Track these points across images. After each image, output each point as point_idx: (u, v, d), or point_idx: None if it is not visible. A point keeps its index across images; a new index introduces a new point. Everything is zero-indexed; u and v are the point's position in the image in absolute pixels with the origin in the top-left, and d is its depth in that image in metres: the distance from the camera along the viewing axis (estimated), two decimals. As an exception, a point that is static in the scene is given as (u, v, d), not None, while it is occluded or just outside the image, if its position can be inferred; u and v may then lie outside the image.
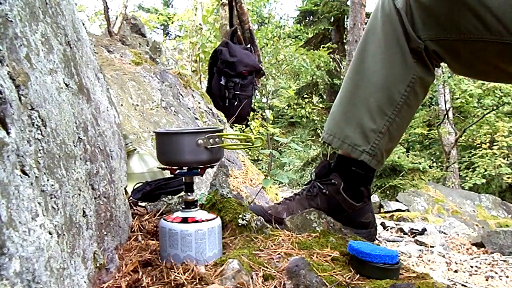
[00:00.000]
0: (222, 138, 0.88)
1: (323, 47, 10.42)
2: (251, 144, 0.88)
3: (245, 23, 3.94)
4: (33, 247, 0.50)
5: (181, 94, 2.72)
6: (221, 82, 3.41)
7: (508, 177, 9.30)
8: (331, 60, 10.01)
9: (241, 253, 0.83)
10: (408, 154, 10.51)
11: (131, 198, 1.27)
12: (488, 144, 9.65)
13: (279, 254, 0.87)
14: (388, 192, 8.10)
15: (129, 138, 1.62)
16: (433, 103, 11.97)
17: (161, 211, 1.14)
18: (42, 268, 0.51)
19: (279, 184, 3.76)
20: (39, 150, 0.57)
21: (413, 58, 1.08)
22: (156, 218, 1.10)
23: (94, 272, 0.71)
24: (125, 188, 1.05)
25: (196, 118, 2.63)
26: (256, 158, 9.42)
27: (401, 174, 8.18)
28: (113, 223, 0.85)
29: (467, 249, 1.99)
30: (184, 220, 0.84)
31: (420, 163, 8.98)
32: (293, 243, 0.93)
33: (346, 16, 11.23)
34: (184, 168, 0.88)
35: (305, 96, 11.71)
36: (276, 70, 9.79)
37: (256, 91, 4.56)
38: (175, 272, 0.76)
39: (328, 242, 0.95)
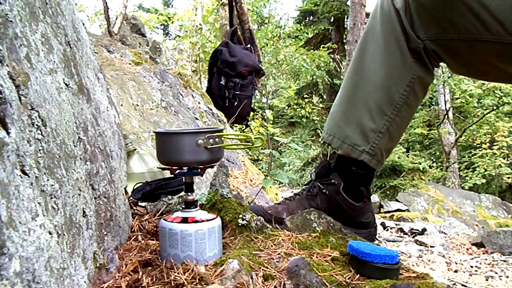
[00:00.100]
0: (222, 138, 0.88)
1: (323, 47, 10.42)
2: (251, 144, 0.88)
3: (245, 23, 3.94)
4: (33, 247, 0.50)
5: (181, 94, 2.72)
6: (221, 82, 3.41)
7: (508, 177, 9.30)
8: (331, 60, 10.01)
9: (241, 253, 0.83)
10: (408, 154, 10.51)
11: (131, 198, 1.27)
12: (488, 144, 9.65)
13: (279, 254, 0.87)
14: (388, 192, 8.10)
15: (129, 138, 1.62)
16: (433, 103, 11.97)
17: (161, 211, 1.14)
18: (42, 268, 0.51)
19: (279, 184, 3.76)
20: (39, 150, 0.57)
21: (413, 58, 1.08)
22: (156, 218, 1.10)
23: (94, 272, 0.71)
24: (125, 188, 1.05)
25: (196, 118, 2.63)
26: (256, 158, 9.42)
27: (402, 175, 8.18)
28: (113, 223, 0.85)
29: (467, 249, 1.99)
30: (184, 220, 0.84)
31: (420, 163, 8.98)
32: (293, 243, 0.93)
33: (346, 16, 11.23)
34: (184, 168, 0.88)
35: (305, 96, 11.71)
36: (276, 70, 9.79)
37: (256, 91, 4.56)
38: (175, 272, 0.76)
39: (328, 242, 0.95)
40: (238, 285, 0.73)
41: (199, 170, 0.88)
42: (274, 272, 0.78)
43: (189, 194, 0.89)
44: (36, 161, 0.55)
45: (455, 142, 9.98)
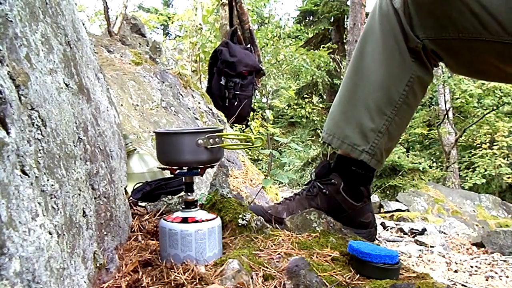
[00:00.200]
0: (222, 138, 0.88)
1: (323, 47, 10.42)
2: (251, 144, 0.88)
3: (245, 23, 3.94)
4: (33, 247, 0.50)
5: (181, 94, 2.72)
6: (221, 82, 3.41)
7: (508, 177, 9.30)
8: (331, 60, 10.01)
9: (241, 253, 0.83)
10: (408, 154, 10.51)
11: (131, 198, 1.27)
12: (488, 144, 9.65)
13: (279, 254, 0.87)
14: (388, 192, 8.10)
15: (129, 138, 1.62)
16: (433, 103, 11.96)
17: (161, 211, 1.14)
18: (42, 268, 0.51)
19: (279, 184, 3.76)
20: (39, 150, 0.57)
21: (412, 58, 1.09)
22: (156, 218, 1.10)
23: (94, 272, 0.71)
24: (125, 188, 1.05)
25: (196, 118, 2.63)
26: (256, 158, 9.41)
27: (400, 174, 8.17)
28: (113, 223, 0.85)
29: (467, 249, 1.99)
30: (184, 220, 0.84)
31: (420, 163, 8.98)
32: (293, 243, 0.93)
33: (346, 16, 11.23)
34: (184, 168, 0.88)
35: (305, 96, 11.70)
36: (276, 70, 9.79)
37: (256, 91, 4.55)
38: (175, 272, 0.76)
39: (328, 242, 0.95)
40: (238, 285, 0.73)
41: (199, 170, 0.89)
42: (274, 272, 0.78)
43: (189, 194, 0.89)
44: (36, 161, 0.55)
45: (455, 142, 9.97)
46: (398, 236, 2.21)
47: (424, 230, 2.25)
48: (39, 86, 0.60)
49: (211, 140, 0.85)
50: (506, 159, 9.34)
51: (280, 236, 0.96)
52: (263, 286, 0.74)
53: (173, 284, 0.73)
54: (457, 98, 9.62)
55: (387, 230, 2.42)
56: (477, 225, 3.34)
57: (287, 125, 12.31)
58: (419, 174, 8.61)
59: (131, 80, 2.44)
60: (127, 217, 0.99)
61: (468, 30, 0.97)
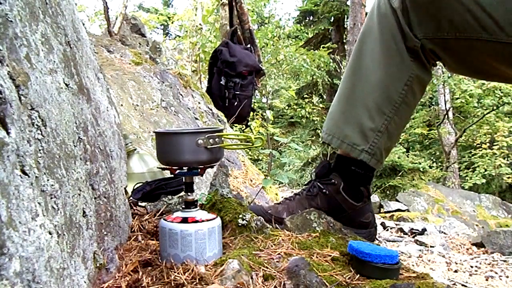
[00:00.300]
0: (222, 138, 0.88)
1: (323, 47, 10.42)
2: (251, 144, 0.88)
3: (245, 23, 3.94)
4: (33, 247, 0.50)
5: (181, 94, 2.72)
6: (221, 82, 3.41)
7: (508, 177, 9.30)
8: (331, 60, 10.01)
9: (241, 253, 0.83)
10: (408, 154, 10.51)
11: (131, 198, 1.27)
12: (488, 144, 9.65)
13: (279, 254, 0.87)
14: (388, 192, 8.10)
15: (129, 138, 1.62)
16: (433, 103, 11.97)
17: (161, 211, 1.14)
18: (42, 268, 0.51)
19: (279, 184, 3.76)
20: (39, 150, 0.57)
21: (410, 57, 1.09)
22: (156, 218, 1.10)
23: (94, 272, 0.72)
24: (125, 188, 1.05)
25: (196, 118, 2.63)
26: (256, 158, 9.41)
27: (400, 174, 8.17)
28: (113, 223, 0.85)
29: (467, 249, 1.99)
30: (184, 220, 0.84)
31: (420, 163, 8.98)
32: (293, 243, 0.93)
33: (346, 16, 11.23)
34: (184, 168, 0.88)
35: (305, 96, 11.70)
36: (276, 70, 9.79)
37: (256, 91, 4.56)
38: (175, 272, 0.76)
39: (328, 242, 0.95)
40: (238, 285, 0.73)
41: (199, 170, 0.89)
42: (274, 272, 0.78)
43: (189, 194, 0.89)
44: (36, 161, 0.55)
45: (455, 142, 9.98)
46: (398, 236, 2.21)
47: (424, 230, 2.25)
48: (39, 86, 0.60)
49: (211, 140, 0.85)
50: (506, 159, 9.34)
51: (280, 236, 0.96)
52: (263, 286, 0.74)
53: (173, 284, 0.73)
54: (457, 98, 9.62)
55: (387, 230, 2.42)
56: (477, 225, 3.34)
57: (287, 125, 12.31)
58: (419, 174, 8.61)
59: (131, 80, 2.44)
60: (127, 217, 0.99)
61: (465, 29, 0.98)
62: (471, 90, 8.97)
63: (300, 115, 11.47)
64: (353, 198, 1.18)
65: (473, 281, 1.31)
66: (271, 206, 1.21)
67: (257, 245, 0.91)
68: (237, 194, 1.30)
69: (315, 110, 11.45)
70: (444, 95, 10.17)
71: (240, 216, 0.98)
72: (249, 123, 3.89)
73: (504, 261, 1.61)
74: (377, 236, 1.49)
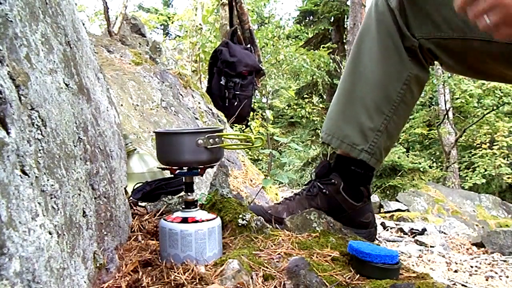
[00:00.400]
0: (222, 138, 0.88)
1: (323, 47, 10.42)
2: (251, 144, 0.88)
3: (245, 23, 3.94)
4: (33, 247, 0.50)
5: (181, 94, 2.72)
6: (221, 82, 3.41)
7: (508, 177, 9.30)
8: (331, 60, 10.02)
9: (241, 253, 0.83)
10: (408, 154, 10.51)
11: (131, 198, 1.27)
12: (488, 144, 9.65)
13: (279, 254, 0.87)
14: (388, 192, 8.10)
15: (129, 138, 1.62)
16: (433, 103, 11.97)
17: (161, 211, 1.14)
18: (42, 268, 0.51)
19: (279, 184, 3.76)
20: (39, 150, 0.57)
21: (408, 56, 1.09)
22: (156, 218, 1.10)
23: (94, 272, 0.72)
24: (125, 188, 1.05)
25: (196, 118, 2.63)
26: (256, 158, 9.42)
27: (400, 174, 8.17)
28: (113, 223, 0.85)
29: (467, 249, 1.99)
30: (184, 220, 0.84)
31: (420, 163, 8.98)
32: (293, 243, 0.93)
33: (346, 16, 11.23)
34: (184, 168, 0.88)
35: (305, 96, 11.70)
36: (276, 70, 9.79)
37: (256, 91, 4.56)
38: (175, 272, 0.76)
39: (328, 242, 0.95)
40: (238, 285, 0.73)
41: (199, 170, 0.89)
42: (274, 272, 0.78)
43: (189, 194, 0.89)
44: (36, 161, 0.55)
45: (455, 142, 9.97)
46: (398, 236, 2.21)
47: (424, 230, 2.25)
48: (39, 86, 0.60)
49: (211, 140, 0.85)
50: (506, 159, 9.34)
51: (280, 236, 0.96)
52: (263, 286, 0.74)
53: (173, 284, 0.73)
54: (457, 98, 9.62)
55: (387, 230, 2.42)
56: (477, 225, 3.34)
57: (287, 125, 12.31)
58: (419, 174, 8.61)
59: (131, 80, 2.44)
60: (127, 217, 0.99)
61: (462, 29, 0.98)
62: (471, 90, 8.98)
63: (300, 115, 11.47)
64: (353, 198, 1.18)
65: (473, 281, 1.31)
66: (271, 206, 1.21)
67: (257, 245, 0.91)
68: (237, 194, 1.30)
69: (315, 110, 11.45)
70: (444, 95, 10.17)
71: (240, 216, 0.98)
72: (249, 123, 3.89)
73: (504, 261, 1.61)
74: (377, 236, 1.49)
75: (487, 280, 1.33)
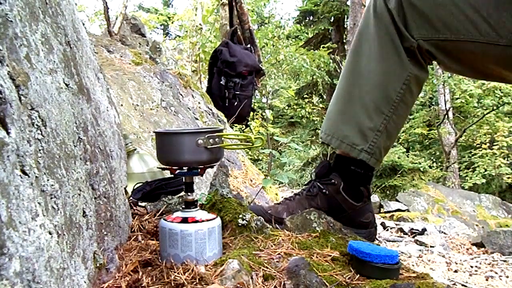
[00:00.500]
0: (222, 138, 0.88)
1: (323, 47, 10.42)
2: (251, 144, 0.88)
3: (245, 23, 3.94)
4: (33, 247, 0.50)
5: (181, 94, 2.72)
6: (221, 82, 3.41)
7: (508, 177, 9.30)
8: (331, 60, 10.02)
9: (241, 253, 0.83)
10: (408, 154, 10.50)
11: (131, 198, 1.27)
12: (488, 144, 9.65)
13: (279, 254, 0.87)
14: (388, 192, 8.11)
15: (129, 138, 1.62)
16: (433, 103, 11.96)
17: (161, 211, 1.14)
18: (42, 268, 0.51)
19: (279, 184, 3.76)
20: (39, 150, 0.57)
21: (407, 56, 1.09)
22: (156, 218, 1.10)
23: (94, 272, 0.72)
24: (125, 188, 1.05)
25: (196, 118, 2.63)
26: (256, 158, 9.42)
27: (400, 173, 8.17)
28: (113, 223, 0.85)
29: (467, 249, 1.99)
30: (184, 220, 0.84)
31: (420, 163, 8.98)
32: (293, 243, 0.93)
33: (346, 16, 11.23)
34: (184, 168, 0.88)
35: (305, 96, 11.70)
36: (276, 70, 9.79)
37: (256, 91, 4.56)
38: (175, 272, 0.76)
39: (328, 242, 0.95)
40: (238, 285, 0.73)
41: (199, 170, 0.89)
42: (274, 272, 0.78)
43: (189, 194, 0.89)
44: (36, 161, 0.55)
45: (455, 142, 9.97)
46: (398, 236, 2.21)
47: (424, 230, 2.25)
48: (39, 86, 0.60)
49: (211, 140, 0.85)
50: (506, 159, 9.34)
51: (280, 236, 0.96)
52: (263, 286, 0.74)
53: (173, 284, 0.73)
54: (457, 98, 9.62)
55: (387, 230, 2.42)
56: (477, 225, 3.34)
57: (287, 125, 12.31)
58: (419, 174, 8.61)
59: (131, 80, 2.44)
60: (127, 217, 0.99)
61: (459, 31, 0.98)
62: (471, 90, 8.98)
63: (300, 115, 11.47)
64: (353, 198, 1.18)
65: (473, 281, 1.31)
66: (271, 206, 1.21)
67: (257, 245, 0.91)
68: (237, 194, 1.30)
69: (315, 110, 11.45)
70: (444, 95, 10.16)
71: (240, 216, 0.98)
72: (249, 123, 3.89)
73: (504, 261, 1.61)
74: (377, 236, 1.49)
75: (487, 280, 1.33)
